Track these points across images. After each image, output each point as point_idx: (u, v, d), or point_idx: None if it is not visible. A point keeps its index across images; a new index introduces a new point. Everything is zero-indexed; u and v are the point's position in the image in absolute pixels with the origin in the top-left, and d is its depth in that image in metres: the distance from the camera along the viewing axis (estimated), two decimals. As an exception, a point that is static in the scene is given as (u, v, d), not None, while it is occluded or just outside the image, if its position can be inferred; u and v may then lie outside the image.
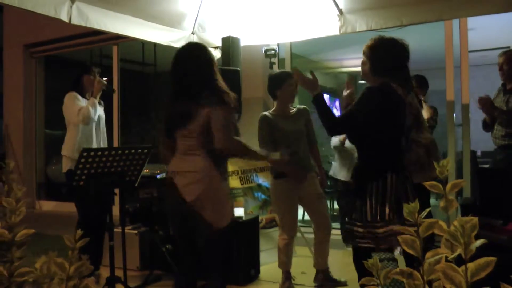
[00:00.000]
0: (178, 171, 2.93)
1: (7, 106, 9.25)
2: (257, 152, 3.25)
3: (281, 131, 4.26)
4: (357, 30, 4.99)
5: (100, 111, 4.75)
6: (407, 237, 0.89)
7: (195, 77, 2.93)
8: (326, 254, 4.45)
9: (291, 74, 4.27)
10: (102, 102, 4.87)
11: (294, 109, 4.45)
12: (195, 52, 3.07)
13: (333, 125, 3.10)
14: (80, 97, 4.62)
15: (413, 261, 0.93)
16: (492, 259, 0.79)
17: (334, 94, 10.62)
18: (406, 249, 0.88)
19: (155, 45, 5.92)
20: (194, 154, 2.91)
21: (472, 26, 5.56)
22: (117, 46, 8.07)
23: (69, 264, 1.21)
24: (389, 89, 3.04)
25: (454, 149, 5.76)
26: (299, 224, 5.86)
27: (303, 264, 4.86)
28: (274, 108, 4.44)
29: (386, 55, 3.11)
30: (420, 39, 6.63)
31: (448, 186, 0.88)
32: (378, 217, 2.90)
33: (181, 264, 3.23)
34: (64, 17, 4.47)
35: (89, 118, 4.50)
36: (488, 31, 7.39)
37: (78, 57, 9.43)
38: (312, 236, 4.53)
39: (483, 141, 6.00)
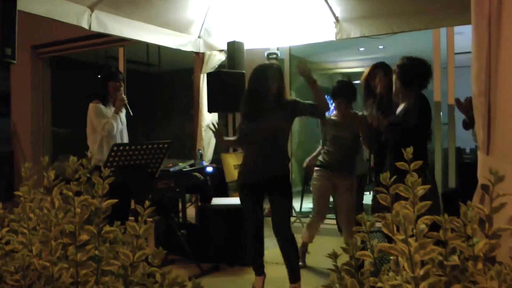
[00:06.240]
0: None
1: (15, 105, 9.37)
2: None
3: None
4: (352, 36, 5.45)
5: (122, 116, 4.93)
6: (382, 195, 1.36)
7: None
8: None
9: None
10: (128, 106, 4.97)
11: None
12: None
13: None
14: (103, 109, 4.78)
15: None
16: (427, 202, 1.27)
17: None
18: (381, 202, 1.35)
19: (159, 46, 6.29)
20: None
21: (460, 31, 5.84)
22: (123, 47, 8.29)
23: (139, 227, 1.66)
24: None
25: (441, 146, 6.11)
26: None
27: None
28: None
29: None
30: (409, 42, 7.01)
31: (412, 165, 1.36)
32: None
33: None
34: (85, 25, 4.89)
35: (112, 132, 4.70)
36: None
37: (83, 58, 9.63)
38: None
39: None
